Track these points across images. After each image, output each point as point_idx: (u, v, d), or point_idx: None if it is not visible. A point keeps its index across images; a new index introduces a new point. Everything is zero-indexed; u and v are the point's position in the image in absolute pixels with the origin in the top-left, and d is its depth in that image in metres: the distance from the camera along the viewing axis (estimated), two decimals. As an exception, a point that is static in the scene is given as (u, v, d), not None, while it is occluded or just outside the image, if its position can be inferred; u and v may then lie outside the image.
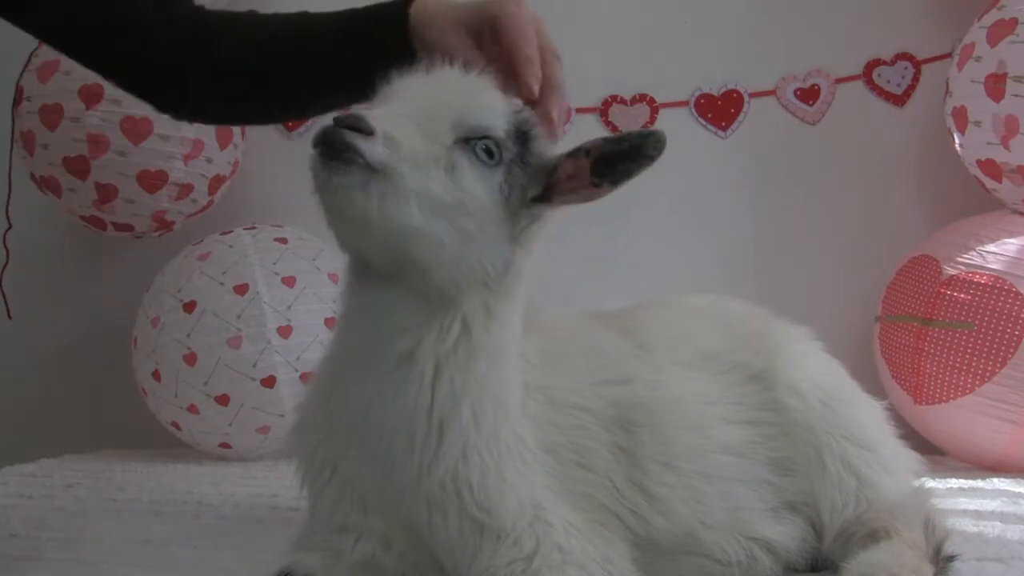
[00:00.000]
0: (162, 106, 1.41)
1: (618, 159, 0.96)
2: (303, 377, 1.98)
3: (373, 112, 0.91)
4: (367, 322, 0.99)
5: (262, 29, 1.30)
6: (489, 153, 0.95)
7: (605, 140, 0.97)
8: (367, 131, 0.87)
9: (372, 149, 0.87)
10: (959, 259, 1.95)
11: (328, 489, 1.04)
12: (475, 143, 0.94)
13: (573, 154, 0.98)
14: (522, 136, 0.99)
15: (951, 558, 1.10)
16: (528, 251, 1.01)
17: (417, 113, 0.94)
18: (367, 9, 1.24)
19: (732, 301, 1.28)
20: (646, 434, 1.06)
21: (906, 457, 1.22)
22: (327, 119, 0.90)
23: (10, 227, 2.35)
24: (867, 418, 1.18)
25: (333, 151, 0.87)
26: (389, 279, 0.97)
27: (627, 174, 0.96)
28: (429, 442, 0.97)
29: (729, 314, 1.25)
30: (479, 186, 0.94)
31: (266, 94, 1.29)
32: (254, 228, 2.17)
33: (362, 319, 1.01)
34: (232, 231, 2.16)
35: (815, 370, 1.18)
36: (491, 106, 0.98)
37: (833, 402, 1.15)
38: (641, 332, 1.16)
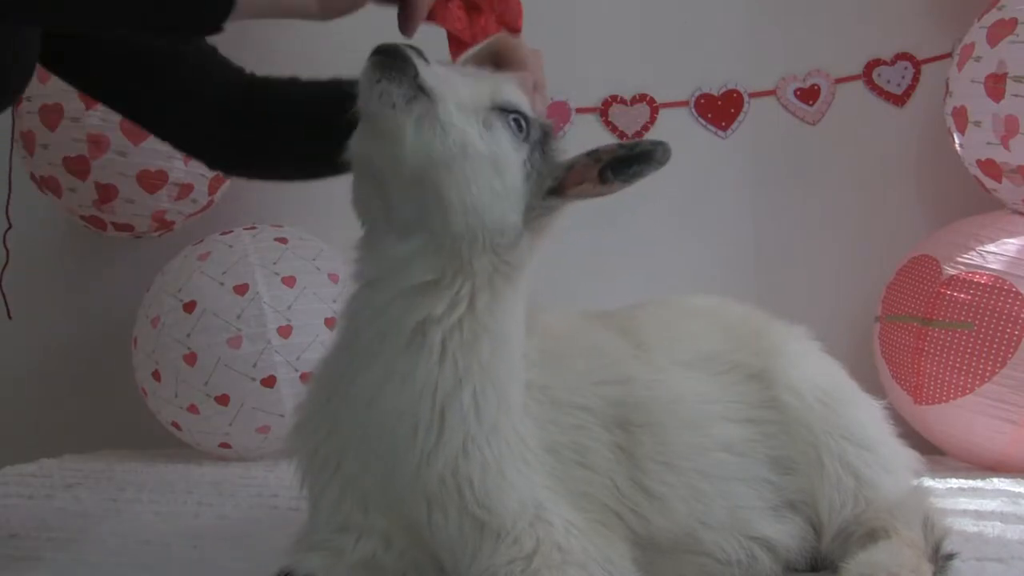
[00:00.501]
0: (213, 163, 1.51)
1: (630, 162, 1.01)
2: (303, 377, 1.98)
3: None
4: (382, 286, 1.00)
5: (304, 90, 1.40)
6: (519, 126, 1.00)
7: (619, 145, 1.02)
8: (424, 59, 0.94)
9: (426, 71, 0.93)
10: (959, 259, 1.95)
11: (329, 488, 1.04)
12: (508, 115, 0.99)
13: (590, 154, 1.03)
14: (543, 130, 1.05)
15: (950, 556, 1.10)
16: (537, 240, 1.04)
17: (462, 76, 1.00)
18: None
19: (731, 303, 1.29)
20: (645, 433, 1.06)
21: (905, 456, 1.22)
22: None
23: (10, 227, 2.35)
24: (866, 417, 1.18)
25: (390, 59, 0.91)
26: (405, 234, 0.98)
27: (639, 174, 1.01)
28: (431, 431, 0.97)
29: (728, 315, 1.25)
30: (510, 148, 0.99)
31: (307, 151, 1.37)
32: (254, 228, 2.17)
33: (376, 287, 1.01)
34: (232, 231, 2.16)
35: (813, 370, 1.18)
36: (519, 93, 1.04)
37: (832, 401, 1.15)
38: (640, 332, 1.17)
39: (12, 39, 1.18)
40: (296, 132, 1.37)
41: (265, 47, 2.28)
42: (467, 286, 0.98)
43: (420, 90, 0.92)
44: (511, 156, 0.98)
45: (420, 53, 0.94)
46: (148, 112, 1.42)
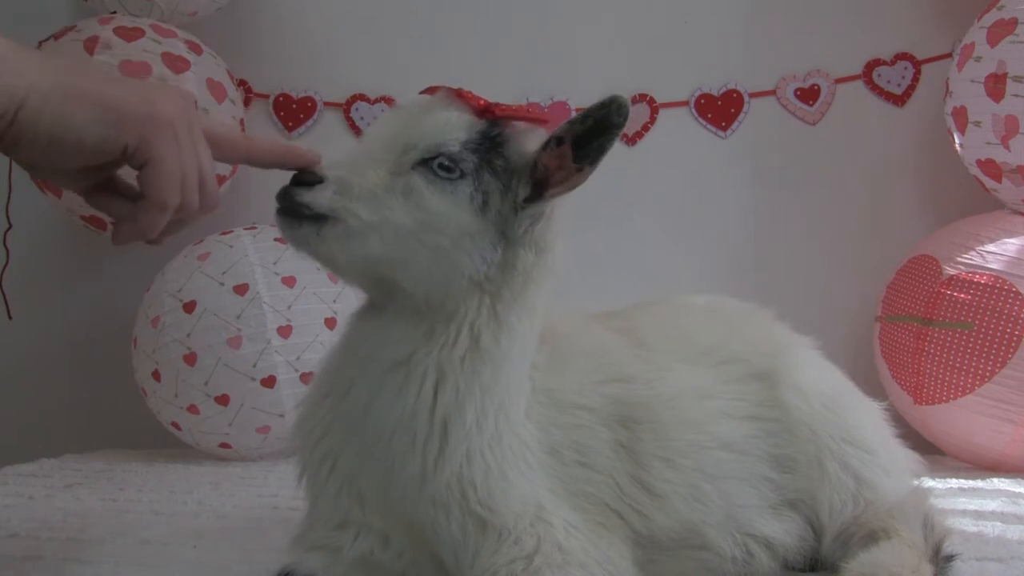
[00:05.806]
0: None
1: (590, 137, 0.99)
2: (303, 377, 1.98)
3: (328, 163, 0.99)
4: (367, 330, 1.05)
5: None
6: (447, 168, 0.98)
7: (570, 123, 0.99)
8: (316, 181, 0.95)
9: (319, 199, 0.95)
10: (959, 259, 1.95)
11: (328, 484, 1.05)
12: (431, 161, 0.98)
13: (546, 146, 1.00)
14: (489, 142, 1.00)
15: (951, 557, 1.10)
16: (538, 252, 1.03)
17: (372, 150, 1.00)
18: None
19: (732, 300, 1.29)
20: (646, 431, 1.06)
21: (905, 457, 1.22)
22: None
23: (10, 227, 2.35)
24: (866, 420, 1.19)
25: (286, 208, 0.96)
26: (388, 301, 1.03)
27: (602, 149, 0.99)
28: (432, 443, 0.98)
29: (729, 310, 1.25)
30: (441, 201, 0.97)
31: None
32: (254, 228, 2.17)
33: (364, 325, 1.06)
34: (232, 231, 2.16)
35: (817, 375, 1.19)
36: (442, 123, 1.00)
37: (834, 406, 1.15)
38: (640, 331, 1.17)
39: None
40: None
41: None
42: (464, 328, 1.00)
43: (321, 217, 0.94)
44: (446, 209, 0.97)
45: (309, 177, 0.95)
46: None
